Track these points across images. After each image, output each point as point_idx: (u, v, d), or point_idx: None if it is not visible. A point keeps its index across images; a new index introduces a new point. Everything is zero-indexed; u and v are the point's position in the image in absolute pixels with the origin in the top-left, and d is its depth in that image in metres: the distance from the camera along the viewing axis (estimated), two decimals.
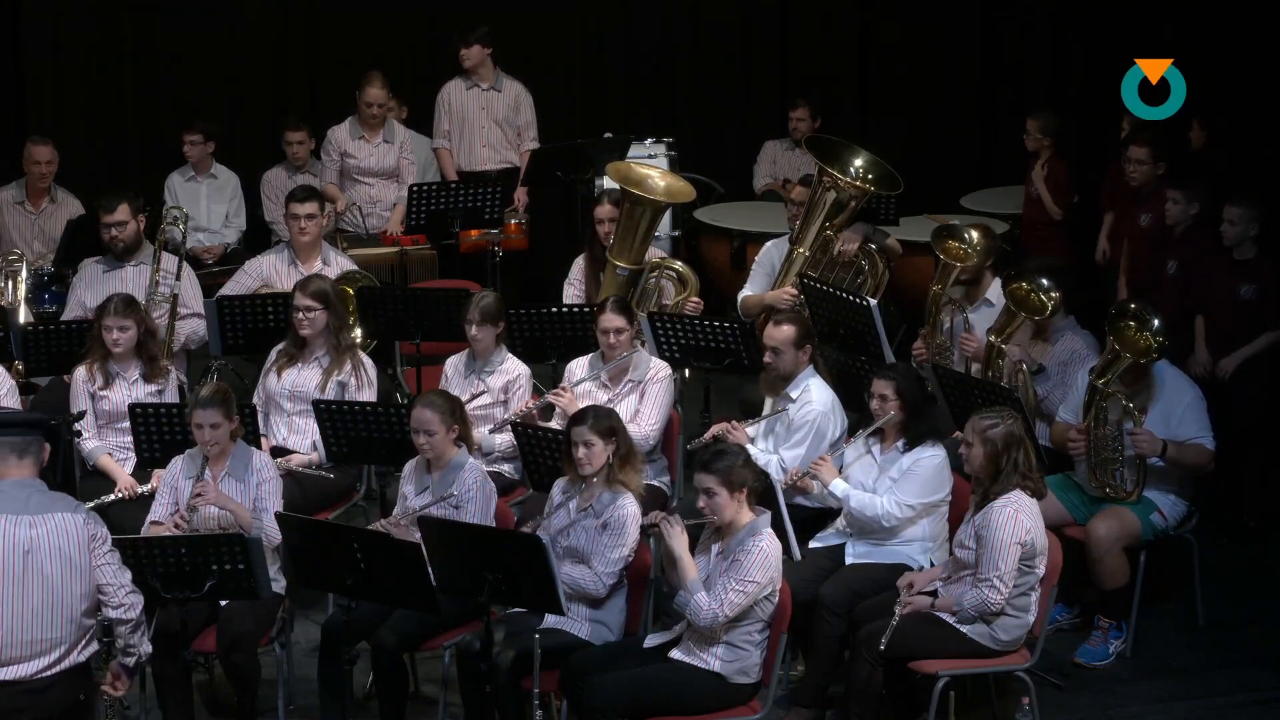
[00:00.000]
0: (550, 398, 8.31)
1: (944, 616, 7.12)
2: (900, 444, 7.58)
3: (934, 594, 7.21)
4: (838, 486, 7.59)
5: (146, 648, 6.24)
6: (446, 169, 11.57)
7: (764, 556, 6.75)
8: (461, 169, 11.57)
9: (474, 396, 8.34)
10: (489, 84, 11.60)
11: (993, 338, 8.47)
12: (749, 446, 7.72)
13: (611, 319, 8.30)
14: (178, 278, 9.38)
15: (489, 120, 11.61)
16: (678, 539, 6.86)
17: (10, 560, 5.89)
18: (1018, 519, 6.99)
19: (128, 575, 6.13)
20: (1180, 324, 9.35)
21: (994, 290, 8.85)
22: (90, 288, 9.40)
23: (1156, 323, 7.89)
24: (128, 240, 9.43)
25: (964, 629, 7.09)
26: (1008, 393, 8.10)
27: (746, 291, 9.59)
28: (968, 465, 7.25)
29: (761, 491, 6.98)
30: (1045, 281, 8.41)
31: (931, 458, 7.51)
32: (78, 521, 5.99)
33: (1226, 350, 9.18)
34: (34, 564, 5.91)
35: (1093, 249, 11.09)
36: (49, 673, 5.94)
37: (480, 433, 8.24)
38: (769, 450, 8.01)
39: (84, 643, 6.04)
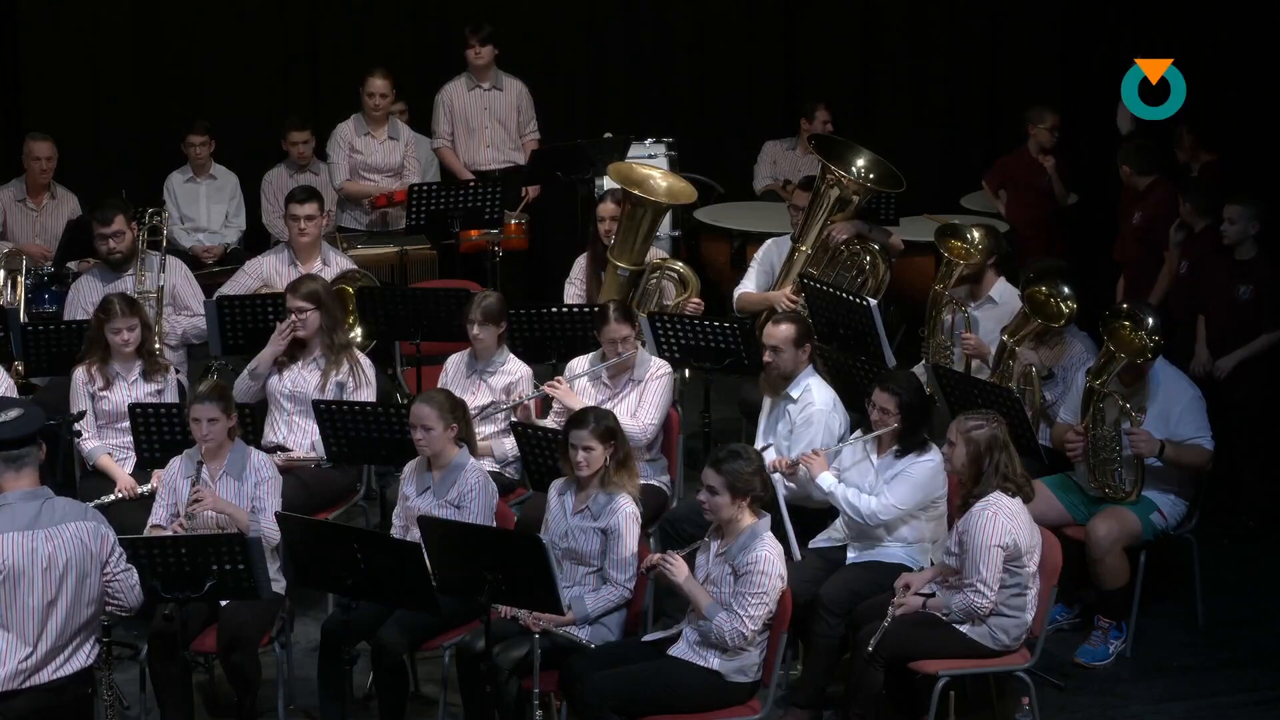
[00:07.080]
0: (546, 389, 8.29)
1: (942, 616, 7.13)
2: (894, 450, 7.58)
3: (931, 595, 7.20)
4: (825, 480, 7.57)
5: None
6: (455, 167, 11.55)
7: (769, 563, 6.75)
8: (467, 169, 11.57)
9: (484, 408, 8.33)
10: (490, 84, 11.60)
11: (1006, 338, 8.45)
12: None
13: (617, 329, 8.25)
14: (162, 269, 9.34)
15: (492, 120, 11.60)
16: (680, 574, 6.85)
17: (31, 576, 5.86)
18: (997, 521, 6.99)
19: (135, 576, 6.16)
20: (1189, 324, 9.36)
21: (997, 288, 8.85)
22: (91, 299, 9.28)
23: (1151, 322, 7.88)
24: (125, 250, 9.37)
25: (963, 629, 7.10)
26: (1008, 393, 8.10)
27: (745, 288, 9.56)
28: (949, 464, 7.27)
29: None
30: (1067, 289, 8.38)
31: (926, 462, 7.49)
32: (91, 531, 5.97)
33: (1224, 351, 9.17)
34: (53, 578, 5.89)
35: (1090, 249, 11.07)
36: (64, 673, 5.94)
37: (492, 442, 8.26)
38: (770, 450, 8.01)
39: (93, 640, 6.05)
